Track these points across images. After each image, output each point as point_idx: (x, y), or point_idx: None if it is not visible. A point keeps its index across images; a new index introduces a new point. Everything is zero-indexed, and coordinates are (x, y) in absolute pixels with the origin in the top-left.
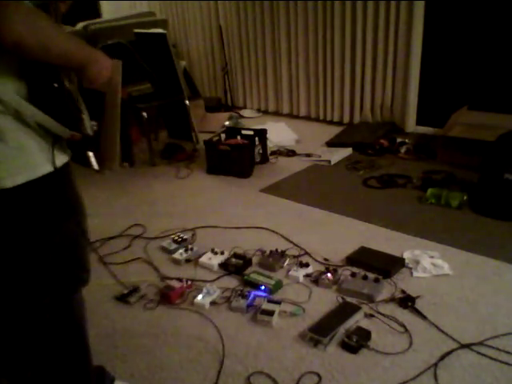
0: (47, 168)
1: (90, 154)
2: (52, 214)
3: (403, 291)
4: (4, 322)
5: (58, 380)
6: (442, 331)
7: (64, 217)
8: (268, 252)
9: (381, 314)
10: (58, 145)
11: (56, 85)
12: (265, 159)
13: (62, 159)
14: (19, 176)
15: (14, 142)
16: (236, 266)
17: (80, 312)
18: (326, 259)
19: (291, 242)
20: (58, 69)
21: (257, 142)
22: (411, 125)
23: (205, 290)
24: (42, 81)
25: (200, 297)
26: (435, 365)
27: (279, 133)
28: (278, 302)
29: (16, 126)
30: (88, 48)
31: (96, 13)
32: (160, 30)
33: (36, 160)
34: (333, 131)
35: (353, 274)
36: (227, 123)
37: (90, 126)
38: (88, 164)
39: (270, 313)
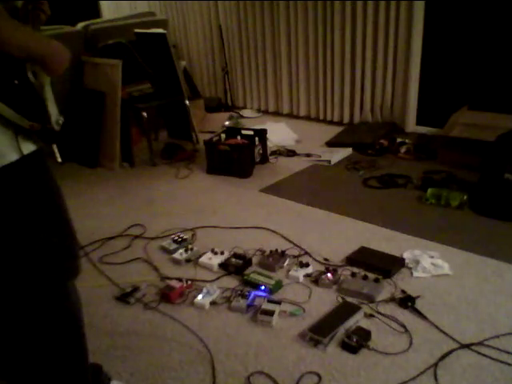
0: (14, 156)
1: (54, 146)
2: (26, 201)
3: (403, 291)
4: None
5: (53, 374)
6: (442, 331)
7: (40, 205)
8: (268, 252)
9: (381, 313)
10: (22, 135)
11: (16, 82)
12: (265, 159)
13: (29, 147)
14: None
15: None
16: (236, 265)
17: (74, 304)
18: (326, 259)
19: (291, 242)
20: (24, 63)
21: (257, 142)
22: (411, 125)
23: (205, 290)
24: (2, 75)
25: (200, 297)
26: (435, 365)
27: (279, 133)
28: (278, 302)
29: None
30: (47, 41)
31: (96, 13)
32: (160, 30)
33: (1, 149)
34: (333, 131)
35: (353, 274)
36: (227, 123)
37: (55, 120)
38: (53, 156)
39: (270, 313)
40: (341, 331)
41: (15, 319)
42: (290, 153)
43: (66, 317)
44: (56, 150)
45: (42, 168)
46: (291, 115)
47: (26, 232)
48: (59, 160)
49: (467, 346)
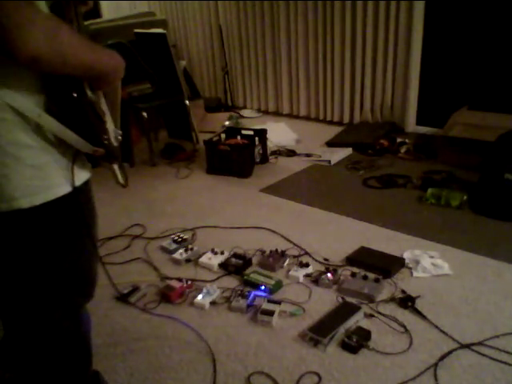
0: (66, 188)
1: (115, 166)
2: (69, 233)
3: (403, 291)
4: (13, 335)
5: None
6: (442, 331)
7: (80, 236)
8: (268, 252)
9: (381, 313)
10: (78, 161)
11: (75, 94)
12: (265, 159)
13: (82, 177)
14: (36, 196)
15: (32, 159)
16: (236, 265)
17: (86, 326)
18: (325, 259)
19: (291, 242)
20: (81, 80)
21: (257, 142)
22: (411, 125)
23: (205, 290)
24: (60, 90)
25: (200, 297)
26: (435, 365)
27: (279, 133)
28: (278, 302)
29: (35, 142)
30: (110, 55)
31: (96, 13)
32: (160, 30)
33: (54, 180)
34: (333, 131)
35: (353, 274)
36: (227, 123)
37: (114, 136)
38: (115, 178)
39: (270, 313)
40: (341, 331)
41: (28, 340)
42: (290, 153)
43: (75, 338)
44: (118, 171)
45: (87, 200)
46: (291, 115)
47: (57, 262)
48: (121, 182)
49: (467, 346)
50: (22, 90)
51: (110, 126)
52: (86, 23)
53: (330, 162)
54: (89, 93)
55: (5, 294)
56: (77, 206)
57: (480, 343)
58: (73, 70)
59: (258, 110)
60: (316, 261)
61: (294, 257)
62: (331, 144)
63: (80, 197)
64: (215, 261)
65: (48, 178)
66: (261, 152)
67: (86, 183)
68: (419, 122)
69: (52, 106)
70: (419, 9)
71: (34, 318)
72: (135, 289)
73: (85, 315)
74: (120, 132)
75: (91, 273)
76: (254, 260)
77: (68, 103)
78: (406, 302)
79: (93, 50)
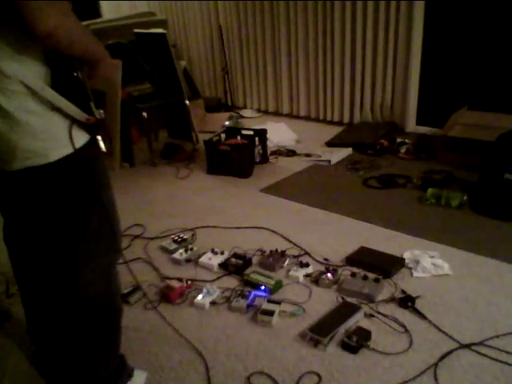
0: (68, 149)
1: (99, 137)
2: (82, 188)
3: (403, 291)
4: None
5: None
6: (442, 331)
7: (94, 191)
8: (268, 252)
9: (381, 313)
10: (75, 127)
11: (75, 74)
12: (265, 159)
13: (81, 140)
14: (44, 157)
15: (39, 124)
16: (236, 265)
17: (116, 286)
18: (325, 259)
19: (291, 242)
20: (73, 60)
21: (257, 142)
22: (411, 125)
23: (205, 290)
24: (63, 69)
25: (200, 297)
26: (435, 365)
27: (279, 133)
28: (277, 302)
29: (40, 110)
30: (102, 47)
31: (96, 13)
32: (160, 30)
33: (58, 142)
34: (333, 131)
35: (353, 274)
36: (227, 123)
37: (97, 112)
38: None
39: (270, 313)
40: (341, 331)
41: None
42: (290, 153)
43: (107, 300)
44: (101, 142)
45: (93, 158)
46: (291, 115)
47: (76, 217)
48: (104, 150)
49: (467, 346)
50: (31, 66)
51: (93, 104)
52: (85, 23)
53: (330, 161)
54: (79, 73)
55: (35, 253)
56: (83, 165)
57: (480, 343)
58: (78, 51)
59: (258, 110)
60: (316, 261)
61: (294, 257)
62: (331, 144)
63: (84, 156)
64: (215, 261)
65: (53, 140)
66: (261, 152)
67: (87, 146)
68: (419, 122)
69: (54, 81)
70: (419, 9)
71: (69, 279)
72: (135, 289)
73: (115, 276)
74: (102, 111)
75: (114, 227)
76: (254, 260)
77: (68, 80)
78: (406, 302)
79: (92, 39)
